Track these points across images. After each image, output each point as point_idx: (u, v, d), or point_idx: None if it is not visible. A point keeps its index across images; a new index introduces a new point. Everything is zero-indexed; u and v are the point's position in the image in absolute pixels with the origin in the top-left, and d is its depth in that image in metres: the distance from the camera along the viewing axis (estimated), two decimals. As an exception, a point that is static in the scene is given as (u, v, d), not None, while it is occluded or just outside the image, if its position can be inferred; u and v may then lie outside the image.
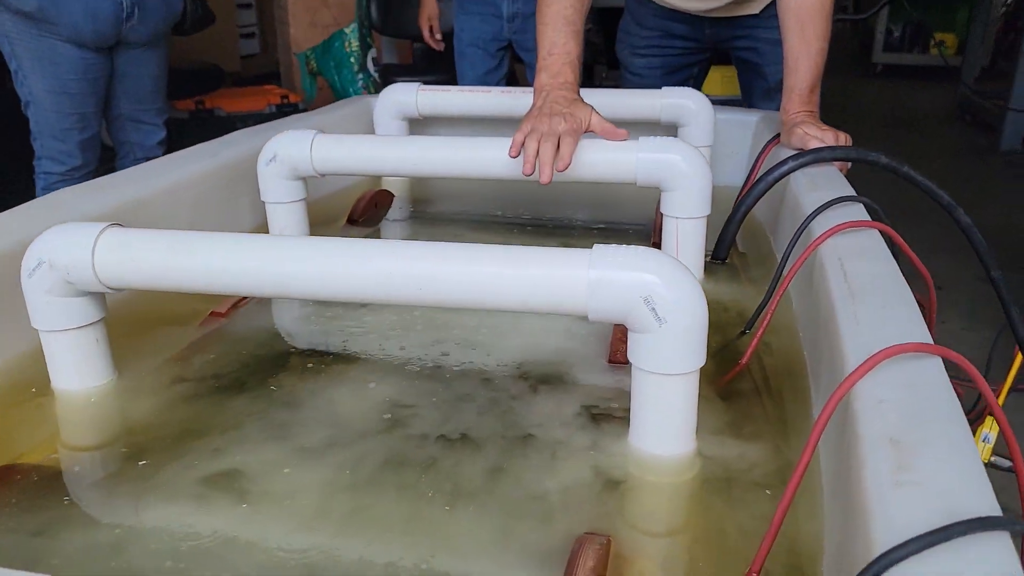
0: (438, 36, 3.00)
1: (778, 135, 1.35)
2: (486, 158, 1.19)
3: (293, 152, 1.24)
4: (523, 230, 1.41)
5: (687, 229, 1.14)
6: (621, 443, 0.76)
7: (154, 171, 1.24)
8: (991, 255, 1.17)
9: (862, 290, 0.75)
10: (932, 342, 0.63)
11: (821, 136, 1.23)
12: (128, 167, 2.61)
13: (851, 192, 1.06)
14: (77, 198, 1.09)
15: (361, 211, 1.47)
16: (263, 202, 1.28)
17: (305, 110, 4.47)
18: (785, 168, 1.18)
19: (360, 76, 4.26)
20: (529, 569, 0.61)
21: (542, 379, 0.88)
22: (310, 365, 0.92)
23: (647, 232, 1.37)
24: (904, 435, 0.51)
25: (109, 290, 0.84)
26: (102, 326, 0.88)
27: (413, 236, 1.46)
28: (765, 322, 0.92)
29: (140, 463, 0.76)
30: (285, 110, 4.34)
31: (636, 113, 1.56)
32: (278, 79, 5.71)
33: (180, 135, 4.17)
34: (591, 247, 0.72)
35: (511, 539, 0.64)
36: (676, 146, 1.13)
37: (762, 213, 1.32)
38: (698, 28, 1.70)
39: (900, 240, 0.92)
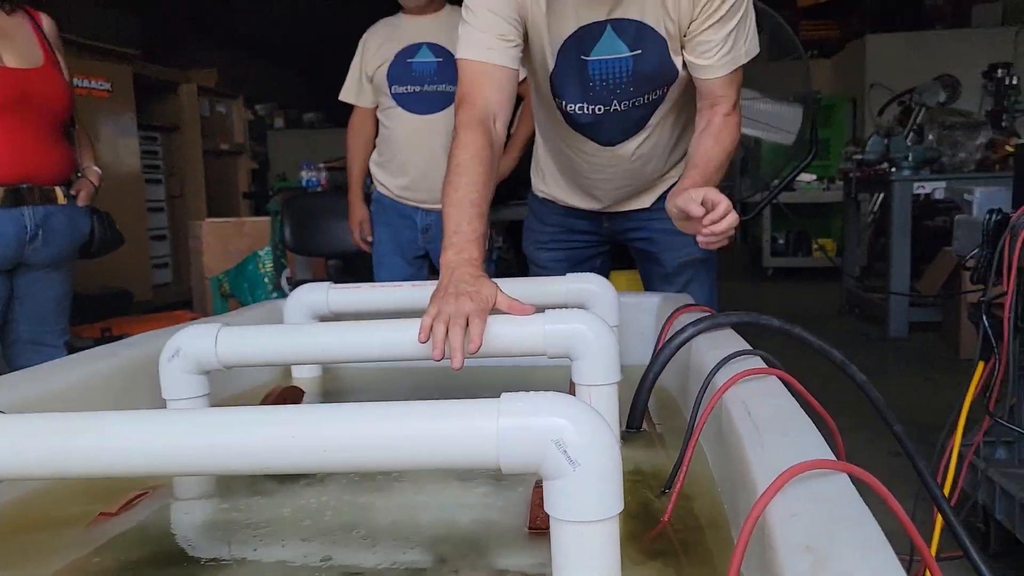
0: (368, 239, 3.10)
1: (682, 306, 1.41)
2: (396, 341, 1.20)
3: (198, 345, 1.22)
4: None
5: (599, 395, 1.14)
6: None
7: (52, 371, 1.19)
8: (889, 410, 1.21)
9: (767, 423, 0.76)
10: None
11: (699, 201, 1.24)
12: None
13: (748, 348, 1.10)
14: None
15: (273, 402, 1.43)
16: (164, 399, 1.23)
17: (217, 332, 4.42)
18: (687, 334, 1.23)
19: (275, 295, 4.31)
20: None
21: (461, 557, 0.83)
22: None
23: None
24: (818, 541, 0.50)
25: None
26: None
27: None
28: (681, 477, 0.91)
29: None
30: (197, 333, 4.29)
31: (544, 299, 1.61)
32: (191, 306, 5.72)
33: (84, 363, 4.05)
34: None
35: None
36: (581, 316, 1.17)
37: (670, 382, 1.35)
38: (596, 223, 1.82)
39: (797, 384, 0.95)
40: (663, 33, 1.45)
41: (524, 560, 0.83)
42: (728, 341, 1.17)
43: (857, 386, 1.21)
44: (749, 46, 1.47)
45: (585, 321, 1.16)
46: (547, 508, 0.71)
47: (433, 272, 2.82)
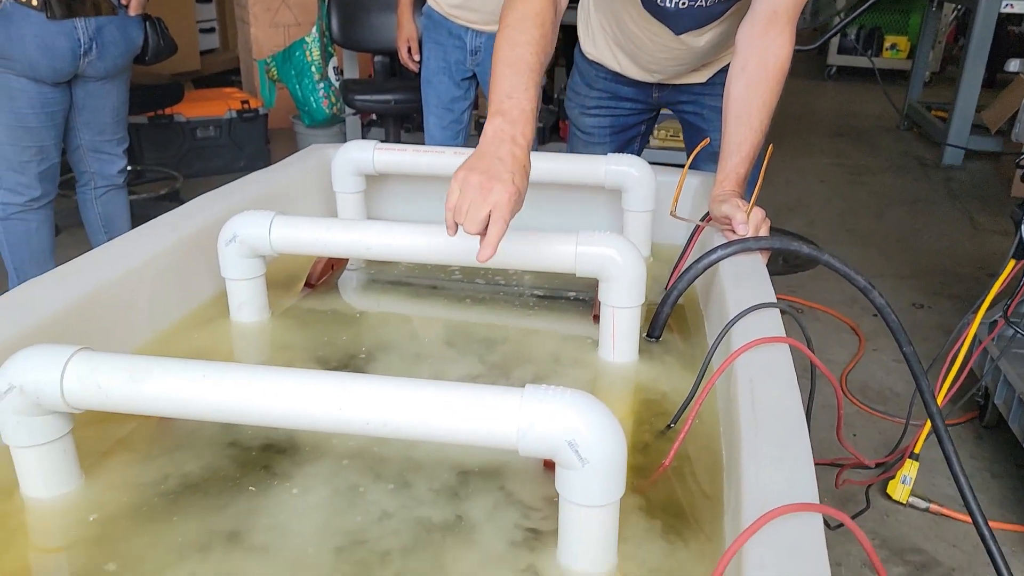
0: (416, 57, 3.04)
1: (708, 215, 1.44)
2: (444, 247, 1.26)
3: (252, 232, 1.30)
4: (474, 299, 1.48)
5: (622, 317, 1.22)
6: (551, 555, 0.84)
7: (115, 253, 1.29)
8: (903, 331, 1.27)
9: (765, 424, 0.84)
10: (815, 497, 0.72)
11: (745, 220, 1.31)
12: (88, 196, 2.64)
13: (770, 291, 1.15)
14: (42, 292, 1.14)
15: (318, 275, 1.53)
16: (223, 277, 1.34)
17: (266, 116, 4.47)
18: (715, 256, 1.27)
19: (321, 85, 4.29)
20: None
21: (481, 480, 0.96)
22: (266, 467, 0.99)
23: (590, 303, 1.46)
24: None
25: (76, 411, 0.90)
26: (70, 436, 0.94)
27: (366, 302, 1.53)
28: (687, 426, 1.00)
29: (106, 566, 0.82)
30: (246, 116, 4.34)
31: (581, 178, 1.64)
32: (238, 73, 5.68)
33: (139, 141, 4.17)
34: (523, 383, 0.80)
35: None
36: (613, 241, 1.21)
37: (697, 285, 1.41)
38: (646, 92, 1.78)
39: (809, 353, 1.02)
40: None
41: (538, 491, 0.94)
42: (753, 273, 1.22)
43: (876, 309, 1.27)
44: None
45: (616, 246, 1.20)
46: (557, 487, 0.81)
47: (482, 96, 2.79)
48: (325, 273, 1.56)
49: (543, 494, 0.92)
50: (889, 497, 1.85)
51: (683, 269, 1.36)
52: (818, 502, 0.72)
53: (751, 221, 1.31)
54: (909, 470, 1.82)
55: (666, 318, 1.31)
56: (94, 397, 0.88)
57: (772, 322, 1.07)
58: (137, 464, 1.00)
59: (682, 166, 1.59)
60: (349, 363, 1.25)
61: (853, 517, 1.72)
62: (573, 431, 0.77)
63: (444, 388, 0.82)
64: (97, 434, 1.03)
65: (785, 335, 1.04)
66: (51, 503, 0.93)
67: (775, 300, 1.12)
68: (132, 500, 0.93)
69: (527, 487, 0.94)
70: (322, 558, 0.83)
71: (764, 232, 1.32)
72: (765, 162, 1.41)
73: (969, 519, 1.26)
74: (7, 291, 1.12)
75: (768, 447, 0.81)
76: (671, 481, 0.98)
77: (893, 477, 1.84)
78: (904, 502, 1.84)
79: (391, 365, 1.25)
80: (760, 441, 0.82)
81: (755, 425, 0.85)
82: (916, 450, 1.81)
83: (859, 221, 3.91)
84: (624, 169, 1.61)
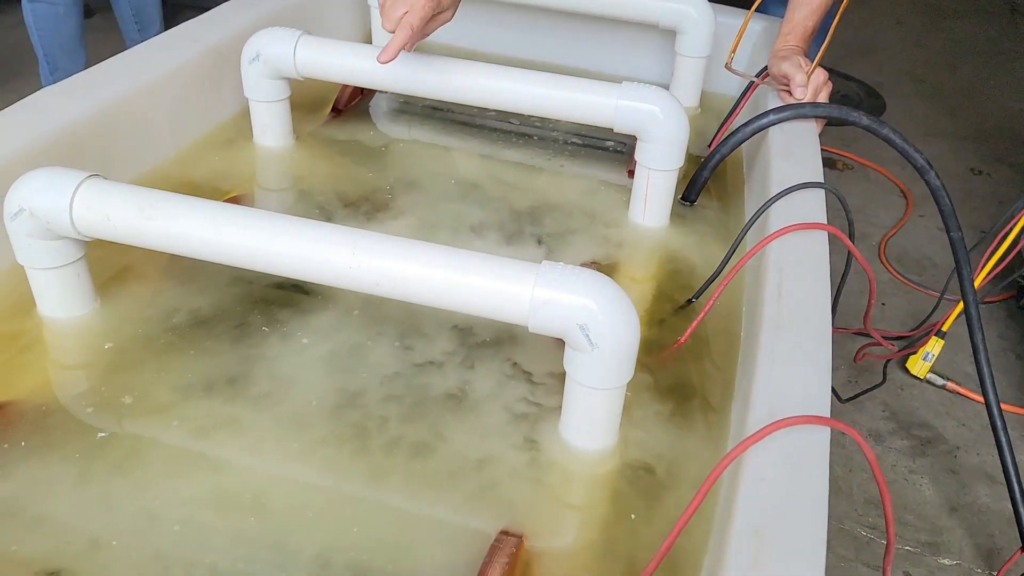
0: None
1: (766, 71, 1.33)
2: (480, 87, 1.19)
3: (276, 51, 1.23)
4: (508, 140, 1.42)
5: (657, 179, 1.16)
6: (553, 429, 0.84)
7: (136, 63, 1.23)
8: (954, 216, 1.21)
9: (788, 322, 0.80)
10: (827, 409, 0.70)
11: (804, 82, 1.21)
12: (122, 3, 2.53)
13: (819, 168, 1.08)
14: (59, 100, 1.10)
15: (346, 100, 1.46)
16: (246, 97, 1.28)
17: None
18: (765, 121, 1.19)
19: None
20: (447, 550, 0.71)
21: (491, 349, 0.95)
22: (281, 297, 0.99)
23: (627, 156, 1.39)
24: (768, 524, 0.59)
25: (87, 239, 0.88)
26: (83, 261, 0.93)
27: (396, 130, 1.47)
28: (708, 305, 0.97)
29: (124, 399, 0.84)
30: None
31: (633, 13, 1.51)
32: None
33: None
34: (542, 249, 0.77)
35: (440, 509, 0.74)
36: (658, 97, 1.13)
37: (744, 147, 1.33)
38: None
39: (848, 242, 0.96)
40: None
41: (546, 365, 0.94)
42: (803, 148, 1.14)
43: (931, 191, 1.20)
44: None
45: (660, 104, 1.12)
46: (565, 366, 0.80)
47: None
48: (355, 98, 1.49)
49: (551, 369, 0.91)
50: (907, 371, 1.84)
51: (729, 131, 1.28)
52: (828, 414, 0.70)
53: (811, 84, 1.21)
54: (933, 347, 1.79)
55: (704, 182, 1.24)
56: (103, 228, 0.86)
57: (814, 204, 1.01)
58: (149, 293, 1.00)
59: (747, 7, 1.45)
60: (372, 198, 1.21)
61: (868, 391, 1.73)
62: (585, 314, 0.75)
63: (460, 257, 0.79)
64: (112, 256, 1.02)
65: (826, 220, 0.98)
66: (67, 323, 0.94)
67: (822, 180, 1.05)
68: (143, 332, 0.93)
69: (536, 360, 0.93)
70: (320, 416, 0.84)
71: (823, 97, 1.22)
72: (837, 16, 1.28)
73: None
74: (37, 76, 1.07)
75: (786, 348, 0.78)
76: (684, 361, 0.96)
77: (915, 352, 1.82)
78: (922, 377, 1.83)
79: (415, 205, 1.21)
80: (779, 340, 0.79)
81: (777, 321, 0.82)
82: (944, 328, 1.78)
83: (930, 71, 3.64)
84: (682, 8, 1.48)
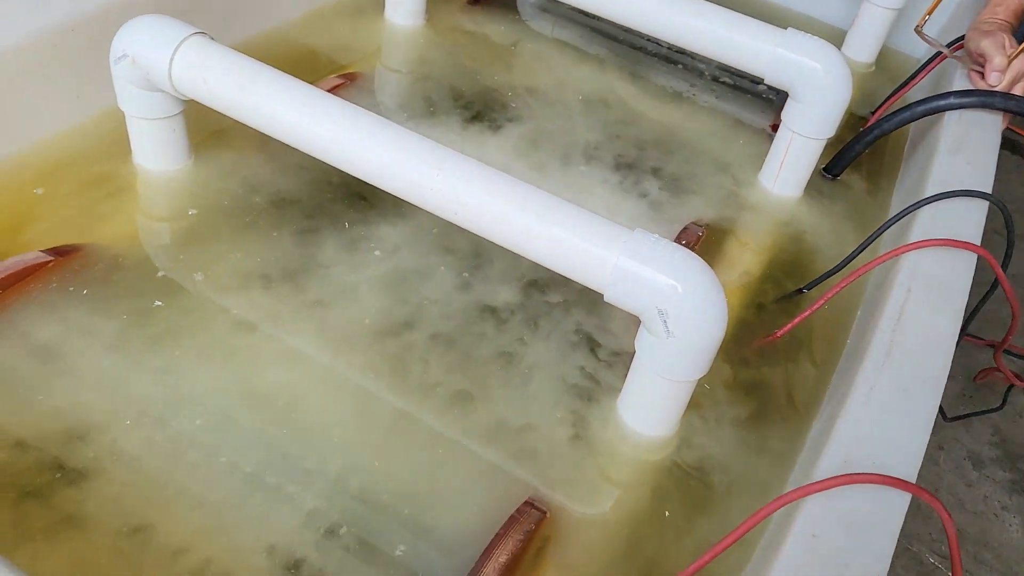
0: None
1: (960, 43, 1.14)
2: (630, 6, 1.07)
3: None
4: (652, 60, 1.30)
5: (800, 146, 1.03)
6: (608, 408, 0.78)
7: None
8: None
9: (899, 357, 0.70)
10: (914, 473, 0.60)
11: (1003, 66, 1.04)
12: None
13: (990, 173, 0.93)
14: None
15: (488, -12, 1.37)
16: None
17: None
18: (944, 103, 1.03)
19: None
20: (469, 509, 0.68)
21: (561, 309, 0.88)
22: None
23: (776, 108, 1.25)
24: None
25: (183, 97, 0.86)
26: (180, 118, 0.91)
27: (538, 25, 1.36)
28: (816, 304, 0.87)
29: (193, 257, 0.84)
30: None
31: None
32: None
33: None
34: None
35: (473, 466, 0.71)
36: (823, 53, 0.99)
37: (911, 126, 1.17)
38: None
39: (1000, 272, 0.83)
40: None
41: (615, 340, 0.86)
42: (978, 146, 0.98)
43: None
44: None
45: (824, 61, 0.98)
46: (635, 342, 0.73)
47: None
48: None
49: (621, 347, 0.84)
50: (1032, 399, 1.67)
51: (899, 103, 1.12)
52: (914, 478, 0.61)
53: (1010, 71, 1.03)
54: None
55: (855, 157, 1.10)
56: (199, 91, 0.83)
57: (971, 218, 0.87)
58: (241, 163, 0.97)
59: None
60: (488, 98, 1.14)
61: (981, 413, 1.58)
62: (667, 297, 0.67)
63: (547, 202, 0.72)
64: (212, 115, 0.99)
65: (980, 241, 0.84)
66: (158, 176, 0.94)
67: (989, 189, 0.90)
68: (228, 204, 0.91)
69: (607, 334, 0.85)
70: (366, 339, 0.80)
71: (1021, 89, 1.05)
72: None
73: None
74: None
75: (888, 388, 0.68)
76: (773, 360, 0.87)
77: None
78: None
79: (531, 113, 1.13)
80: (883, 375, 0.69)
81: (888, 351, 0.72)
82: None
83: None
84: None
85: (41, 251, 0.81)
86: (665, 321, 0.67)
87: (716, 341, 0.69)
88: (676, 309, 0.67)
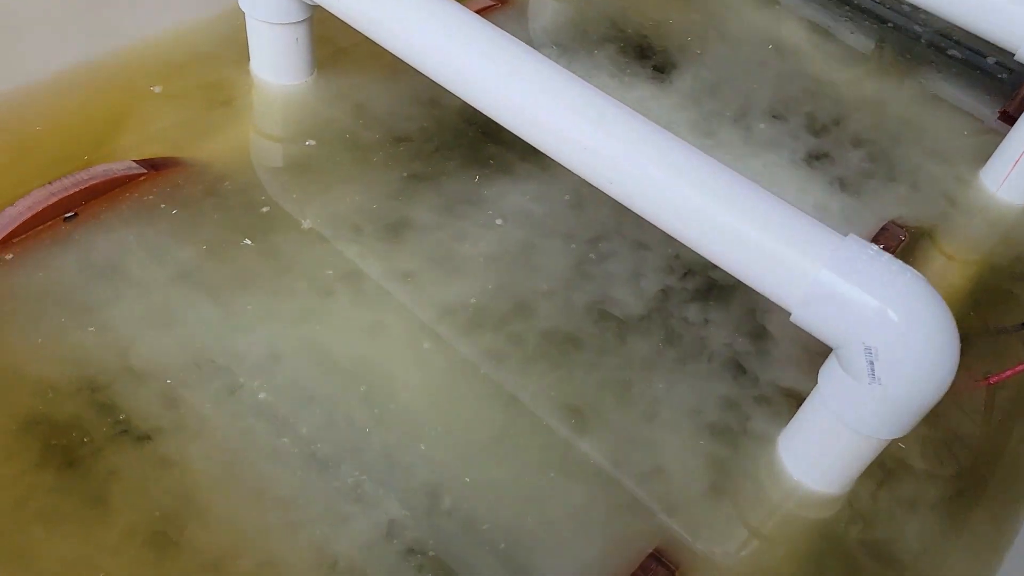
0: None
1: None
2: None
3: None
4: (859, 16, 1.09)
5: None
6: (769, 441, 0.63)
7: None
8: None
9: None
10: None
11: None
12: None
13: None
14: None
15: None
16: None
17: None
18: None
19: None
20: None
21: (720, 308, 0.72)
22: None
23: (1009, 90, 1.03)
24: None
25: (309, 1, 0.74)
26: (306, 25, 0.79)
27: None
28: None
29: (301, 194, 0.73)
30: None
31: None
32: None
33: None
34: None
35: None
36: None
37: None
38: None
39: None
40: None
41: (786, 373, 0.70)
42: None
43: None
44: None
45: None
46: (820, 374, 0.57)
47: None
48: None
49: (791, 385, 0.67)
50: None
51: None
52: None
53: None
54: None
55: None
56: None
57: None
58: (365, 88, 0.85)
59: None
60: (661, 40, 0.97)
61: None
62: (880, 334, 0.51)
63: (736, 187, 0.56)
64: (339, 32, 0.87)
65: None
66: (276, 90, 0.82)
67: None
68: (349, 138, 0.79)
69: (771, 366, 0.69)
70: (470, 323, 0.67)
71: None
72: None
73: None
74: None
75: None
76: (978, 413, 0.69)
77: None
78: None
79: (707, 61, 0.96)
80: None
81: None
82: None
83: None
84: None
85: (134, 161, 0.71)
86: (872, 362, 0.51)
87: (933, 400, 0.52)
88: (890, 350, 0.51)
